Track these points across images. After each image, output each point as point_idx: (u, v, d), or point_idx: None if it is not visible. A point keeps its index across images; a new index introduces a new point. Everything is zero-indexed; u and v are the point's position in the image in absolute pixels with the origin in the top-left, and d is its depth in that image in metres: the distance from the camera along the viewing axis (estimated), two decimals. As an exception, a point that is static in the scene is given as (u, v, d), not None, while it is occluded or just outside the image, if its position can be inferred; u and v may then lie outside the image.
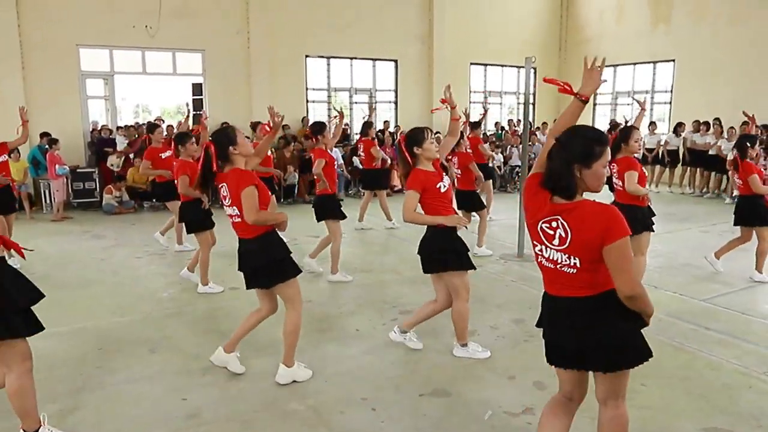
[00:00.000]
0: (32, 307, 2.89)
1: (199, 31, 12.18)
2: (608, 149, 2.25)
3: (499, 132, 15.00)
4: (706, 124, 12.61)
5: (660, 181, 13.42)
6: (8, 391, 2.91)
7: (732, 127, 11.79)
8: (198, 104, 13.01)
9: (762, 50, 12.49)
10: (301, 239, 7.62)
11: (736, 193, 7.13)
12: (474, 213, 7.42)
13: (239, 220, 3.54)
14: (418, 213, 3.80)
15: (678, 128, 13.11)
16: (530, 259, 6.38)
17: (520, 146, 13.21)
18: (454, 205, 4.09)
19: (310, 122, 10.48)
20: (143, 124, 11.78)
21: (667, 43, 14.26)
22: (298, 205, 11.28)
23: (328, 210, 5.98)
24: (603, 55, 2.68)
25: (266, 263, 3.60)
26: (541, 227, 2.30)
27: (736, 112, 12.41)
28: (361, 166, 10.11)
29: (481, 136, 9.84)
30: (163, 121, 12.76)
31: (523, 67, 7.06)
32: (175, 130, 9.44)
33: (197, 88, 12.88)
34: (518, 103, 16.90)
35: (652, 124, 13.45)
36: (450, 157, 7.02)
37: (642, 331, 2.30)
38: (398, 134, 11.63)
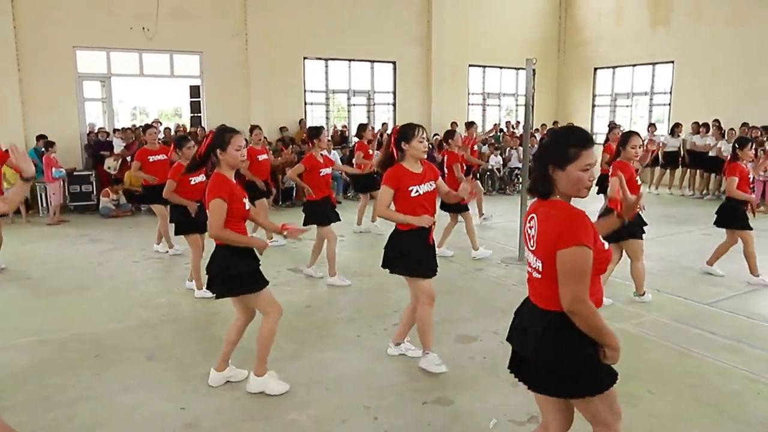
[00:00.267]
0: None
1: (196, 33, 12.10)
2: (589, 153, 2.10)
3: (498, 134, 14.94)
4: (706, 125, 12.57)
5: (660, 183, 13.38)
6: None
7: (732, 129, 11.77)
8: (196, 106, 12.95)
9: (762, 51, 12.45)
10: (301, 243, 7.55)
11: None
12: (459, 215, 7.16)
13: None
14: (390, 210, 3.75)
15: (675, 129, 13.06)
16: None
17: (519, 148, 13.26)
18: (437, 208, 3.96)
19: (308, 125, 10.39)
20: (140, 126, 11.68)
21: (666, 44, 14.21)
22: (296, 209, 11.16)
23: (311, 215, 6.02)
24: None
25: (219, 273, 3.46)
26: (526, 228, 2.28)
27: (735, 113, 12.43)
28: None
29: (475, 135, 9.61)
30: (161, 123, 12.73)
31: (521, 68, 7.02)
32: (172, 133, 9.37)
33: (195, 91, 12.82)
34: (516, 105, 16.87)
35: (652, 125, 13.40)
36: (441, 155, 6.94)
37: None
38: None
